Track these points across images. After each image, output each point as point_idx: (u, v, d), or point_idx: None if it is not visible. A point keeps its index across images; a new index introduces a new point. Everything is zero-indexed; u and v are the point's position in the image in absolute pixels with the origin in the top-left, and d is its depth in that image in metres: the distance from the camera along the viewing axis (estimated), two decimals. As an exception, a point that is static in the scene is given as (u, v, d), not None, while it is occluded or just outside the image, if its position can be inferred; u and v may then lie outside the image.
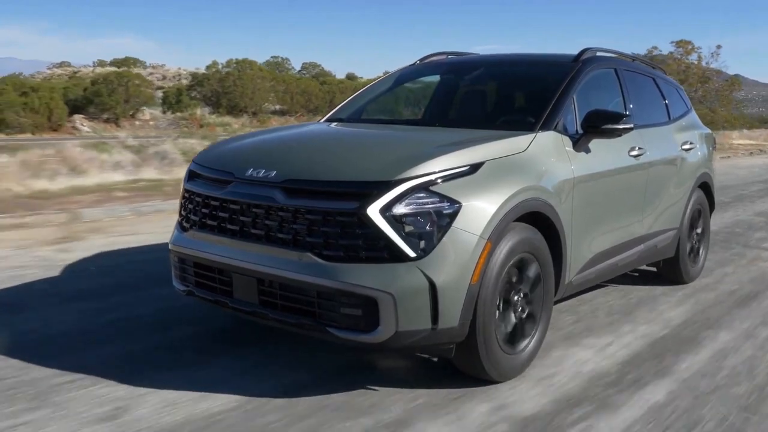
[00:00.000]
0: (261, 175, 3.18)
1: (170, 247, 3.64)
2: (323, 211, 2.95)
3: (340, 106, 4.84)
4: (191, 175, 3.63)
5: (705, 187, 5.59)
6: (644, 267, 5.26)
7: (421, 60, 5.12)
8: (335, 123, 4.55)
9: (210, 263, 3.35)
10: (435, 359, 3.56)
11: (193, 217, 3.50)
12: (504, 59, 4.96)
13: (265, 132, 4.26)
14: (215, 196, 3.33)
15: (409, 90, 5.08)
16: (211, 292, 3.40)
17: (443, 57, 5.14)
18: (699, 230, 5.56)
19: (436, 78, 5.10)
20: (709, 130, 6.07)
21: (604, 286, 5.06)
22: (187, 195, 3.58)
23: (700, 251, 5.61)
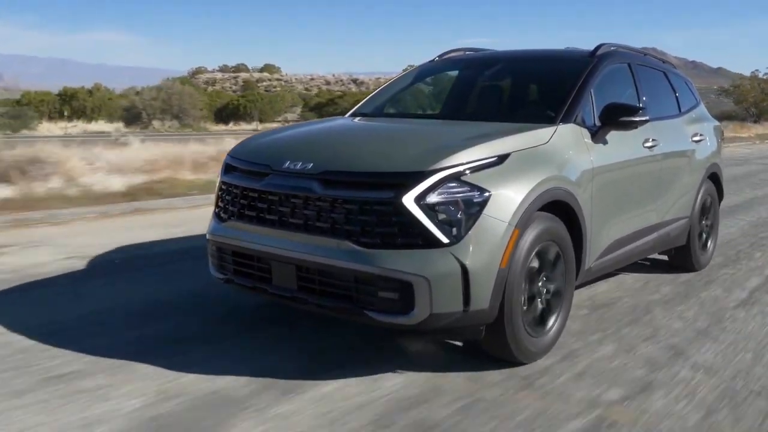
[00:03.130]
0: (298, 167, 3.35)
1: (208, 237, 3.81)
2: (360, 200, 3.11)
3: (363, 101, 5.01)
4: (227, 168, 3.78)
5: (714, 177, 5.76)
6: (655, 256, 5.44)
7: (439, 57, 5.29)
8: (359, 118, 4.71)
9: (249, 251, 3.52)
10: (460, 344, 3.73)
11: (231, 208, 3.66)
12: (522, 55, 5.11)
13: (295, 127, 4.42)
14: (253, 188, 3.49)
15: (429, 85, 5.23)
16: (250, 279, 3.56)
17: (461, 53, 5.30)
18: (708, 219, 5.72)
19: (454, 74, 5.26)
20: (717, 122, 6.23)
21: (616, 274, 5.23)
22: (224, 187, 3.74)
23: (710, 239, 5.78)
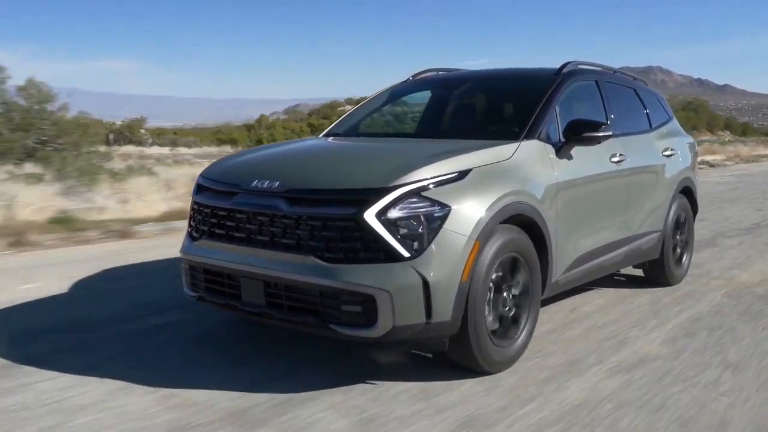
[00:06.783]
0: (265, 186, 3.44)
1: (181, 255, 3.88)
2: (324, 217, 3.20)
3: (337, 121, 5.12)
4: (199, 189, 3.87)
5: (687, 192, 5.84)
6: (630, 271, 5.51)
7: (413, 76, 5.41)
8: (332, 137, 4.82)
9: (219, 269, 3.60)
10: (430, 355, 3.78)
11: (202, 227, 3.74)
12: (490, 74, 5.25)
13: (266, 147, 4.52)
14: (223, 207, 3.58)
15: (402, 105, 5.35)
16: (221, 296, 3.64)
17: (434, 73, 5.43)
18: (683, 233, 5.80)
19: (427, 93, 5.38)
20: (691, 138, 6.33)
21: (590, 288, 5.30)
22: (196, 207, 3.83)
23: (685, 254, 5.84)
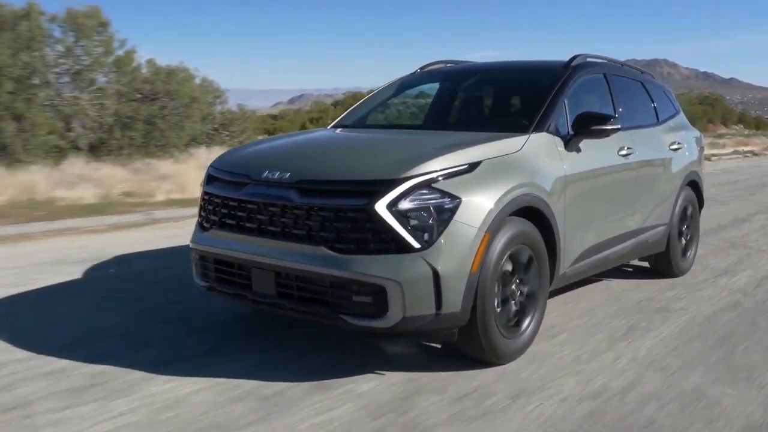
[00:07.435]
0: (276, 176, 3.45)
1: (191, 245, 3.90)
2: (335, 207, 3.22)
3: (346, 113, 5.13)
4: (210, 179, 3.89)
5: (693, 185, 5.85)
6: (636, 262, 5.53)
7: (421, 68, 5.42)
8: (341, 129, 4.83)
9: (230, 259, 3.62)
10: (439, 346, 3.82)
11: (212, 218, 3.76)
12: (499, 66, 5.25)
13: (276, 138, 4.54)
14: (234, 197, 3.60)
15: (410, 96, 5.36)
16: (232, 286, 3.66)
17: (442, 65, 5.43)
18: (689, 226, 5.81)
19: (435, 85, 5.38)
20: (697, 132, 6.33)
21: (598, 280, 5.32)
22: (206, 197, 3.85)
23: (690, 246, 5.87)
